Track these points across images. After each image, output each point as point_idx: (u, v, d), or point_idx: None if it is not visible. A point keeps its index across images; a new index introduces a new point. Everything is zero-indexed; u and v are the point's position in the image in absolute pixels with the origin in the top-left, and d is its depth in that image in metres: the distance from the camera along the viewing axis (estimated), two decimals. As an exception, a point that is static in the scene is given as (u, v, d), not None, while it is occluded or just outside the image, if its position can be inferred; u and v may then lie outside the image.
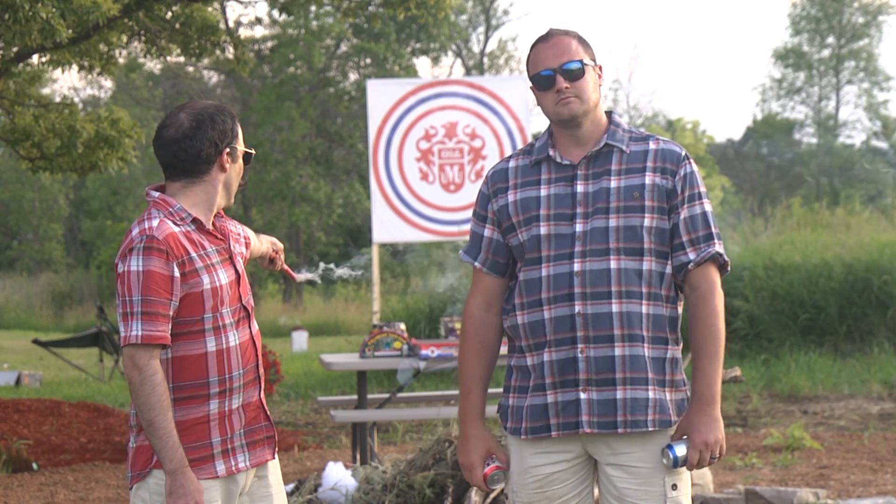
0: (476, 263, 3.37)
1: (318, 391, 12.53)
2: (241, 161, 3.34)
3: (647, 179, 3.24)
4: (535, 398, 3.24)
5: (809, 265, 13.56)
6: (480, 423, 3.33)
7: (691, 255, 3.24)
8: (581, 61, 3.26)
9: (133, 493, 3.24)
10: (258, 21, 32.33)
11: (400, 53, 32.85)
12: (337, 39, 33.28)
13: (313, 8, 26.95)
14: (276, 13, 22.14)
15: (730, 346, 12.94)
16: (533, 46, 3.32)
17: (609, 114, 3.35)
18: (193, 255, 3.19)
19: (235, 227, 3.42)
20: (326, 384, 13.02)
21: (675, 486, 3.23)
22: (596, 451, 3.26)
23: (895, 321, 12.95)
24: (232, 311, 3.25)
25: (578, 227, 3.23)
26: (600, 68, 3.33)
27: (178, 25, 9.62)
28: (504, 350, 3.43)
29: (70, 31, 7.87)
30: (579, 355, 3.19)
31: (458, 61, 39.95)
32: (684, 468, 3.22)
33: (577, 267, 3.20)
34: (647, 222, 3.22)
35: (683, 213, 3.24)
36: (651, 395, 3.19)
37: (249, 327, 3.32)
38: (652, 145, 3.29)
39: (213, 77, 35.07)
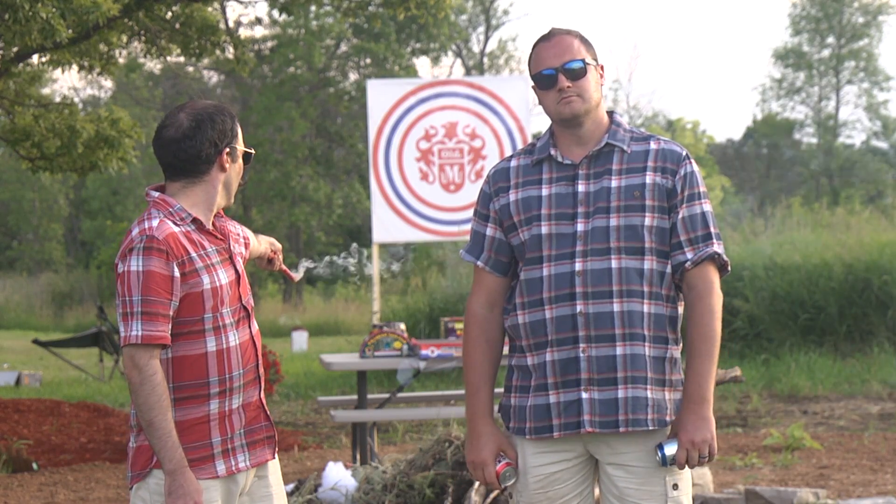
0: (478, 262, 3.36)
1: (318, 391, 12.53)
2: (240, 161, 3.34)
3: (648, 179, 3.24)
4: (538, 398, 3.24)
5: (809, 265, 13.56)
6: (490, 421, 3.32)
7: (689, 255, 3.24)
8: (583, 60, 3.26)
9: (133, 493, 3.24)
10: (258, 21, 32.34)
11: (400, 53, 32.85)
12: (337, 39, 33.28)
13: (313, 8, 26.95)
14: (276, 13, 22.14)
15: (730, 346, 12.96)
16: (535, 46, 3.32)
17: (610, 113, 3.35)
18: (193, 255, 3.18)
19: (235, 228, 3.42)
20: (326, 384, 13.02)
21: (676, 486, 3.23)
22: (597, 450, 3.25)
23: (895, 321, 12.95)
24: (232, 311, 3.25)
25: (580, 227, 3.22)
26: (602, 68, 3.33)
27: (178, 25, 9.62)
28: (505, 350, 3.42)
29: (70, 31, 7.86)
30: (581, 355, 3.19)
31: (458, 61, 39.98)
32: (686, 467, 3.22)
33: (578, 266, 3.20)
34: (647, 221, 3.22)
35: (682, 213, 3.24)
36: (649, 394, 3.19)
37: (249, 327, 3.32)
38: (653, 145, 3.29)
39: (213, 77, 35.07)
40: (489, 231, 3.35)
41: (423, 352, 7.58)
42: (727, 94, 68.68)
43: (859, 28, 41.08)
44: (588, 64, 3.27)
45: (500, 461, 3.30)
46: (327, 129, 32.63)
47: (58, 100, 10.32)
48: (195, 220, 3.24)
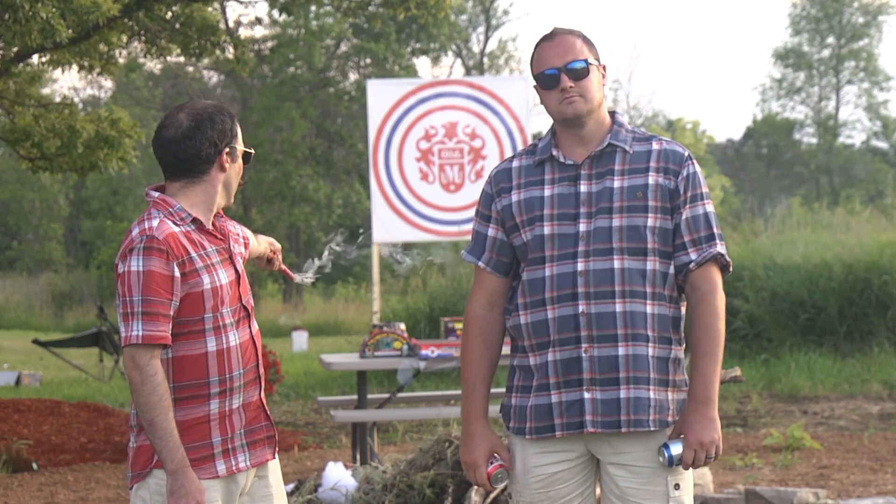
0: (479, 263, 3.36)
1: (318, 391, 12.53)
2: (240, 161, 3.34)
3: (651, 179, 3.24)
4: (539, 398, 3.24)
5: (809, 265, 13.55)
6: (484, 422, 3.32)
7: (693, 256, 3.24)
8: (585, 60, 3.26)
9: (133, 493, 3.23)
10: (258, 21, 32.31)
11: (400, 53, 32.84)
12: (337, 39, 33.27)
13: (313, 8, 26.97)
14: (276, 13, 22.12)
15: (730, 346, 12.95)
16: (537, 45, 3.32)
17: (612, 114, 3.35)
18: (193, 255, 3.18)
19: (234, 227, 3.42)
20: (326, 384, 13.01)
21: (677, 486, 3.23)
22: (598, 450, 3.25)
23: (895, 321, 12.94)
24: (232, 311, 3.25)
25: (582, 227, 3.22)
26: (604, 68, 3.33)
27: (178, 25, 9.62)
28: (506, 350, 3.42)
29: (70, 31, 7.86)
30: (583, 355, 3.19)
31: (458, 61, 39.98)
32: (689, 468, 3.22)
33: (580, 266, 3.20)
34: (650, 222, 3.22)
35: (686, 214, 3.24)
36: (652, 395, 3.19)
37: (249, 327, 3.31)
38: (655, 145, 3.29)
39: (213, 77, 35.06)
40: (490, 232, 3.35)
41: (423, 352, 7.57)
42: (727, 94, 68.74)
43: (859, 28, 41.10)
44: (591, 64, 3.26)
45: (492, 462, 3.30)
46: (327, 129, 32.62)
47: (58, 100, 10.32)
48: (195, 220, 3.23)
